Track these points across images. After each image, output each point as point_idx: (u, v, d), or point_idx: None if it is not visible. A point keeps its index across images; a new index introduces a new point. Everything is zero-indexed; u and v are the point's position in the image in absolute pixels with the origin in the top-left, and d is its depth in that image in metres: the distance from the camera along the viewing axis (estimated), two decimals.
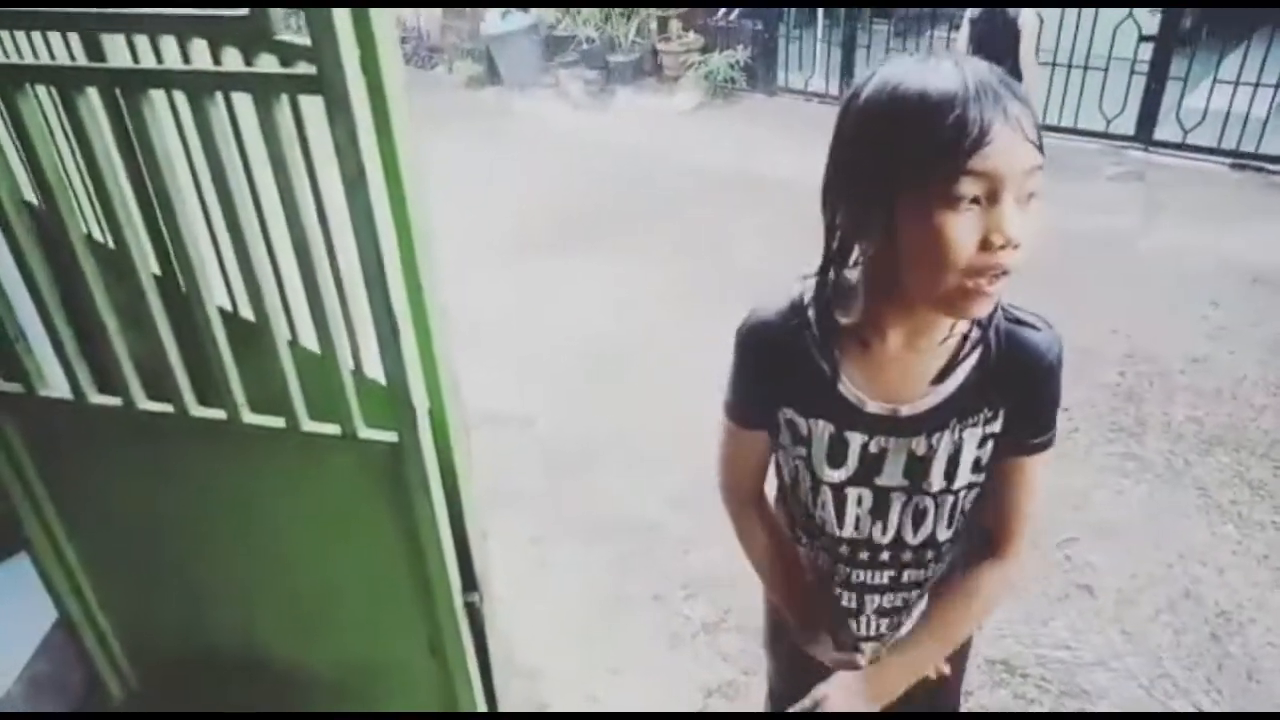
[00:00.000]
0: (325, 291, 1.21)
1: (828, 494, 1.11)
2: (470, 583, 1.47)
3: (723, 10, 6.61)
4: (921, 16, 6.06)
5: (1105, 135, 5.21)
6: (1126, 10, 4.94)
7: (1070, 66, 5.15)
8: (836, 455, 1.07)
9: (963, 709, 1.51)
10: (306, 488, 1.42)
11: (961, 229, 0.83)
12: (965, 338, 1.01)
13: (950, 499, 1.09)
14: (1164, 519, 2.69)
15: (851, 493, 1.10)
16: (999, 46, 4.27)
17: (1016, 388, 1.02)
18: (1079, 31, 5.09)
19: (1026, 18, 4.36)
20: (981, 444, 1.06)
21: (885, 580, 1.17)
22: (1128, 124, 5.15)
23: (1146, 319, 3.66)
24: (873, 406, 1.03)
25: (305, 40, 0.99)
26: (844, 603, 1.20)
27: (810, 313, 1.03)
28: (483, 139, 6.16)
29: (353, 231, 1.09)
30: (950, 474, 1.07)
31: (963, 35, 4.52)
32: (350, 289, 1.29)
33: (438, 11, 7.50)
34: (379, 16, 0.99)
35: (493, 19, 6.76)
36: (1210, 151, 4.95)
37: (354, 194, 1.06)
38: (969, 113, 0.80)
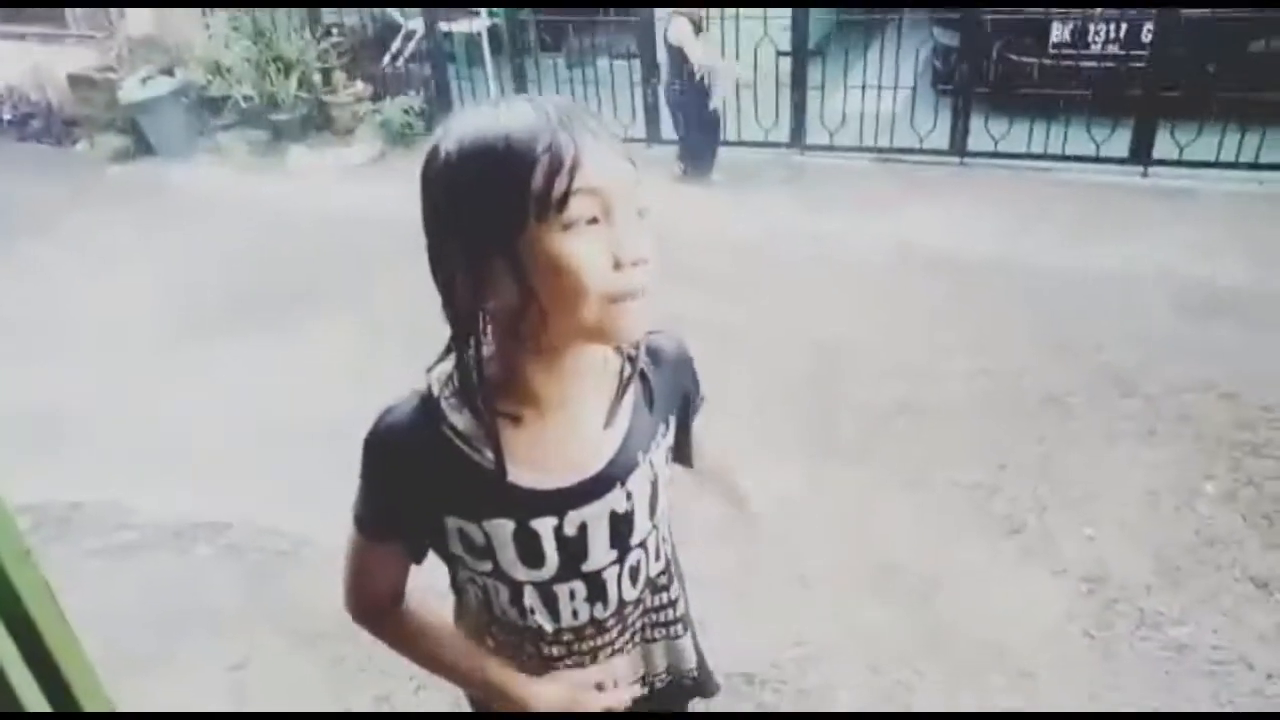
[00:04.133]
0: None
1: (534, 597, 1.00)
2: None
3: (388, 57, 6.43)
4: (589, 49, 6.23)
5: (767, 144, 5.61)
6: (762, 32, 5.36)
7: None
8: (529, 553, 0.96)
9: None
10: None
11: (587, 249, 0.82)
12: (620, 374, 0.97)
13: (654, 535, 1.05)
14: (856, 496, 2.85)
15: (562, 589, 1.00)
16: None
17: (676, 392, 1.07)
18: (725, 50, 5.46)
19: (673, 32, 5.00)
20: (666, 461, 1.05)
21: (615, 634, 1.08)
22: (783, 133, 5.58)
23: (821, 307, 3.93)
24: (551, 483, 0.94)
25: None
26: (568, 669, 1.09)
27: (444, 404, 0.92)
28: (136, 218, 5.52)
29: None
30: (652, 511, 1.02)
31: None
32: None
33: (63, 82, 6.67)
34: None
35: (131, 85, 6.10)
36: (855, 150, 5.49)
37: None
38: (557, 139, 0.81)
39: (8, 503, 1.04)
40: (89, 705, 1.19)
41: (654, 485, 1.02)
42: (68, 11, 7.09)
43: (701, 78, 5.02)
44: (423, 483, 0.94)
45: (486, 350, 0.92)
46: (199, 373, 3.79)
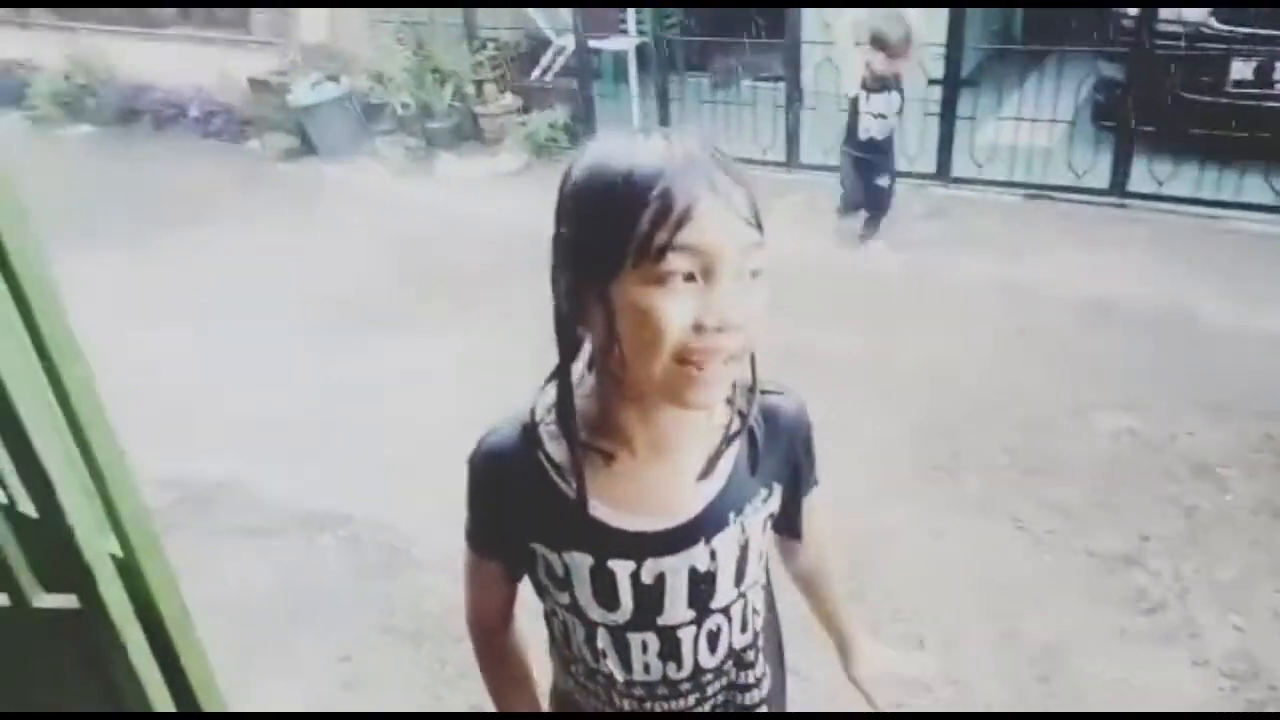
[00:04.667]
0: None
1: (606, 641, 0.99)
2: None
3: (538, 71, 6.61)
4: (735, 70, 6.22)
5: (909, 175, 5.43)
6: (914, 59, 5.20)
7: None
8: (605, 593, 0.96)
9: None
10: None
11: (672, 308, 0.78)
12: (726, 428, 0.94)
13: (740, 604, 1.01)
14: (982, 555, 2.71)
15: (635, 638, 0.98)
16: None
17: (787, 458, 1.02)
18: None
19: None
20: (764, 530, 1.00)
21: (692, 700, 1.05)
22: (928, 163, 5.40)
23: (959, 351, 3.77)
24: (634, 524, 0.93)
25: None
26: None
27: (543, 431, 0.94)
28: (297, 210, 5.89)
29: None
30: (740, 577, 0.99)
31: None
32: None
33: (244, 85, 7.18)
34: None
35: (301, 90, 6.50)
36: (1005, 184, 5.25)
37: None
38: (674, 186, 0.77)
39: (144, 477, 1.11)
40: (201, 689, 1.25)
41: (744, 550, 0.98)
42: (252, 18, 7.64)
43: (871, 140, 4.48)
44: (515, 506, 0.96)
45: (590, 383, 0.93)
46: (337, 362, 3.97)
